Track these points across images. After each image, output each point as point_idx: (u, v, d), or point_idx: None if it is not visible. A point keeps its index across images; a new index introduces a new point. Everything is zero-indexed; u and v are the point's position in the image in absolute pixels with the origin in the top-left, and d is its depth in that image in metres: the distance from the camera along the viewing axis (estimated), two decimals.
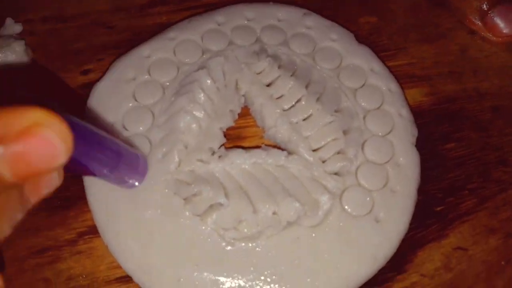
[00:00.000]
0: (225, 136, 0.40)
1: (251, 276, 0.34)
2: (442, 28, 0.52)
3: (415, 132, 0.42)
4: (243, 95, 0.42)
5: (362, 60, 0.45)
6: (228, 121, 0.41)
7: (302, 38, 0.46)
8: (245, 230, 0.35)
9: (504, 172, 0.43)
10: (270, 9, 0.47)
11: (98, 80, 0.43)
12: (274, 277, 0.34)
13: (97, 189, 0.38)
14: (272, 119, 0.40)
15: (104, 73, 0.44)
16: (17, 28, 0.48)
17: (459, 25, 0.53)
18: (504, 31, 0.51)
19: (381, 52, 0.48)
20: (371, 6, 0.53)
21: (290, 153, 0.39)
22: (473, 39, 0.52)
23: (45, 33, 0.49)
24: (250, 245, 0.35)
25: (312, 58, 0.45)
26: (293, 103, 0.41)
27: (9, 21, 0.48)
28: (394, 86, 0.44)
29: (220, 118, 0.40)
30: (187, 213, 0.36)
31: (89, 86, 0.43)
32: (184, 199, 0.36)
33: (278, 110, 0.40)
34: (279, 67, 0.42)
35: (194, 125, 0.39)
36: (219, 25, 0.46)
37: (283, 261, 0.35)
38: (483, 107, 0.47)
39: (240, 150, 0.38)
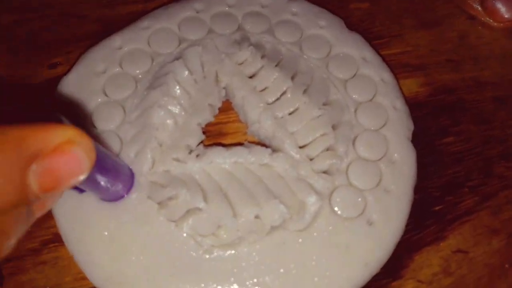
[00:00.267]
0: (204, 132, 0.38)
1: (232, 286, 0.33)
2: (439, 14, 0.51)
3: (410, 125, 0.40)
4: (224, 88, 0.40)
5: (353, 48, 0.43)
6: (207, 116, 0.38)
7: (287, 25, 0.44)
8: (225, 236, 0.33)
9: (506, 168, 0.42)
10: None
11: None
12: (256, 287, 0.33)
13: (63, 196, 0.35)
14: (255, 113, 0.38)
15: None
16: None
17: (457, 10, 0.51)
18: (505, 16, 0.49)
19: (374, 40, 0.47)
20: None
21: (274, 150, 0.37)
22: (472, 25, 0.51)
23: (9, 24, 0.47)
24: (230, 252, 0.33)
25: (298, 47, 0.43)
26: (278, 96, 0.39)
27: None
28: (387, 76, 0.42)
29: (198, 113, 0.38)
30: (161, 219, 0.34)
31: (57, 81, 0.41)
32: (158, 204, 0.34)
33: (262, 104, 0.38)
34: (263, 57, 0.40)
35: (169, 121, 0.37)
36: (197, 12, 0.44)
37: (267, 270, 0.33)
38: (483, 98, 0.45)
39: (220, 148, 0.36)
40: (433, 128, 0.43)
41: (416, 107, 0.43)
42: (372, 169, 0.37)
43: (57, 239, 0.36)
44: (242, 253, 0.33)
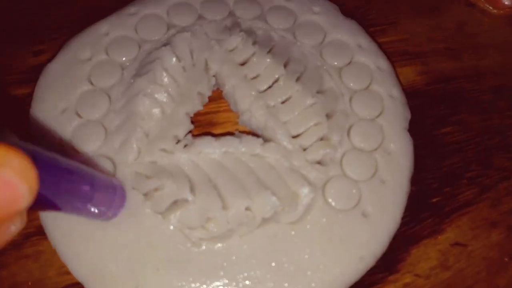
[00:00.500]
0: (193, 122, 0.37)
1: (221, 281, 0.32)
2: (438, 0, 0.50)
3: (407, 115, 0.40)
4: (214, 76, 0.39)
5: (348, 35, 0.42)
6: (195, 105, 0.37)
7: (280, 11, 0.43)
8: (214, 229, 0.32)
9: (506, 159, 0.41)
10: None
11: None
12: (247, 282, 0.32)
13: None
14: (246, 102, 0.37)
15: None
16: None
17: None
18: (505, 3, 0.49)
19: (370, 27, 0.46)
20: None
21: (266, 140, 0.36)
22: (471, 12, 0.50)
23: None
24: (220, 245, 0.32)
25: (291, 34, 0.42)
26: (270, 84, 0.38)
27: None
28: (384, 63, 0.42)
29: (187, 101, 0.37)
30: (147, 211, 0.33)
31: (41, 68, 0.40)
32: (144, 195, 0.33)
33: (253, 92, 0.37)
34: (254, 43, 0.39)
35: (155, 110, 0.35)
36: None
37: (258, 264, 0.32)
38: (483, 87, 0.45)
39: (209, 138, 0.35)
40: (431, 118, 0.42)
41: (413, 96, 0.42)
42: (367, 159, 0.36)
43: (40, 232, 0.34)
44: (233, 246, 0.32)
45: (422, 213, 0.38)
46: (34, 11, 0.46)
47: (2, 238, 0.19)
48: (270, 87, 0.38)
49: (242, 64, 0.39)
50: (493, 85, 0.45)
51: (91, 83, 0.38)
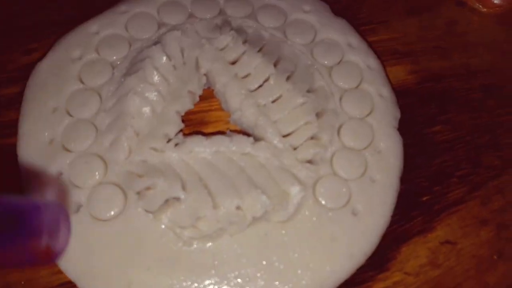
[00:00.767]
0: (184, 121, 0.37)
1: (212, 279, 0.32)
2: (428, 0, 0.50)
3: (397, 114, 0.40)
4: (205, 75, 0.39)
5: (339, 34, 0.42)
6: (186, 104, 0.37)
7: (271, 9, 0.43)
8: (205, 227, 0.32)
9: (496, 157, 0.41)
10: None
11: None
12: (238, 280, 0.32)
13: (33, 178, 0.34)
14: (236, 101, 0.37)
15: None
16: None
17: None
18: (495, 2, 0.49)
19: (361, 26, 0.46)
20: None
21: (257, 139, 0.36)
22: (461, 11, 0.50)
23: None
24: (211, 244, 0.32)
25: (282, 32, 0.42)
26: (261, 82, 0.38)
27: None
28: (374, 62, 0.42)
29: (177, 100, 0.36)
30: (139, 210, 0.33)
31: (32, 67, 0.39)
32: (137, 194, 0.33)
33: (244, 91, 0.37)
34: (245, 42, 0.39)
35: (145, 109, 0.35)
36: None
37: (249, 262, 0.32)
38: (472, 86, 0.45)
39: (199, 136, 0.35)
40: (421, 117, 0.42)
41: (403, 95, 0.42)
42: (357, 158, 0.36)
43: None
44: (223, 245, 0.32)
45: (412, 211, 0.38)
46: (25, 10, 0.45)
47: None
48: (260, 86, 0.37)
49: (233, 62, 0.39)
50: (483, 84, 0.45)
51: (82, 82, 0.37)
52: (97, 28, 0.40)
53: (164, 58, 0.37)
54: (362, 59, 0.41)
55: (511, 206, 0.39)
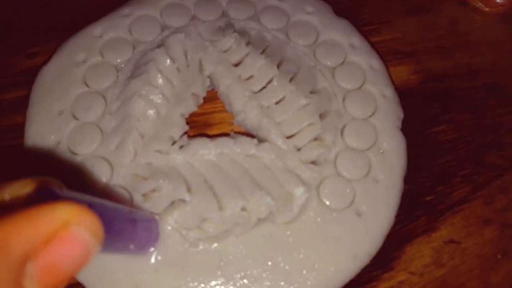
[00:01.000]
0: (188, 123, 0.37)
1: (219, 280, 0.32)
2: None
3: (400, 114, 0.40)
4: (208, 77, 0.39)
5: (341, 35, 0.42)
6: (190, 106, 0.37)
7: (273, 11, 0.43)
8: (210, 229, 0.32)
9: (499, 156, 0.41)
10: None
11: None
12: (244, 281, 0.32)
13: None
14: (240, 103, 0.37)
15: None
16: None
17: None
18: (497, 1, 0.49)
19: (363, 27, 0.46)
20: None
21: (261, 140, 0.36)
22: (463, 11, 0.50)
23: None
24: (217, 245, 0.32)
25: (285, 34, 0.42)
26: (264, 84, 0.38)
27: None
28: (376, 63, 0.42)
29: (181, 102, 0.37)
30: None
31: (36, 71, 0.40)
32: (143, 196, 0.33)
33: (247, 93, 0.37)
34: (248, 43, 0.39)
35: (150, 111, 0.35)
36: None
37: (254, 263, 0.32)
38: (475, 85, 0.45)
39: (204, 139, 0.35)
40: (424, 117, 0.42)
41: (406, 95, 0.42)
42: (361, 159, 0.36)
43: None
44: (229, 246, 0.32)
45: (416, 211, 0.38)
46: (28, 14, 0.45)
47: None
48: (264, 87, 0.38)
49: (236, 64, 0.39)
50: (485, 83, 0.45)
51: (87, 85, 0.38)
52: (101, 31, 0.40)
53: (168, 60, 0.37)
54: (364, 59, 0.41)
55: None
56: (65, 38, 0.41)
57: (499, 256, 0.37)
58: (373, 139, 0.37)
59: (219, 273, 0.32)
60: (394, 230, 0.35)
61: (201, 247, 0.32)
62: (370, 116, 0.38)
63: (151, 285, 0.31)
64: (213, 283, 0.31)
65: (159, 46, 0.38)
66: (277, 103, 0.37)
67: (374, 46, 0.43)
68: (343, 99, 0.39)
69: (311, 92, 0.38)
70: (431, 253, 0.36)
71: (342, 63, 0.41)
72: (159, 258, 0.32)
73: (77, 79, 0.38)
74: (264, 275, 0.32)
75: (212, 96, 0.40)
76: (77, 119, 0.36)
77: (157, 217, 0.32)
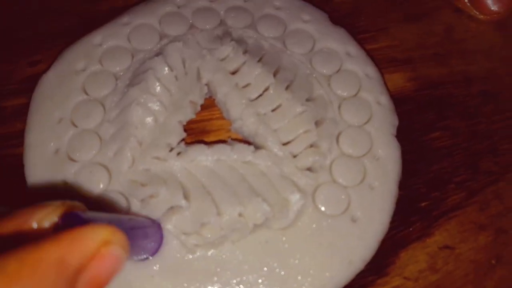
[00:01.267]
0: (186, 130, 0.37)
1: (215, 286, 0.32)
2: (426, 7, 0.50)
3: (395, 121, 0.40)
4: (206, 85, 0.39)
5: (337, 43, 0.42)
6: (188, 114, 0.38)
7: (270, 19, 0.43)
8: (208, 234, 0.32)
9: (494, 163, 0.41)
10: None
11: None
12: (240, 286, 0.32)
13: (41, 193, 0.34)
14: (237, 110, 0.37)
15: None
16: None
17: (443, 3, 0.50)
18: (492, 9, 0.48)
19: (359, 34, 0.46)
20: None
21: (257, 147, 0.36)
22: (459, 18, 0.50)
23: None
24: (214, 251, 0.33)
25: (281, 42, 0.42)
26: (261, 92, 0.38)
27: None
28: (372, 70, 0.42)
29: (179, 110, 0.37)
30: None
31: (37, 79, 0.40)
32: (141, 201, 0.34)
33: (244, 101, 0.37)
34: (245, 52, 0.39)
35: (148, 119, 0.36)
36: (178, 7, 0.43)
37: (251, 269, 0.33)
38: (470, 92, 0.45)
39: (201, 145, 0.35)
40: (419, 124, 0.42)
41: (402, 102, 0.42)
42: (356, 165, 0.36)
43: None
44: (225, 252, 0.33)
45: (411, 217, 0.38)
46: (29, 22, 0.46)
47: None
48: (260, 95, 0.38)
49: (233, 72, 0.39)
50: (480, 90, 0.45)
51: (86, 93, 0.38)
52: (100, 40, 0.41)
53: (166, 69, 0.37)
54: (360, 67, 0.41)
55: (508, 211, 0.39)
56: (67, 46, 0.41)
57: (493, 262, 0.37)
58: (368, 146, 0.37)
59: (216, 279, 0.32)
60: (389, 236, 0.36)
61: (198, 253, 0.32)
62: (365, 123, 0.38)
63: None
64: None
65: (157, 54, 0.39)
66: (273, 110, 0.37)
67: (370, 53, 0.43)
68: (339, 107, 0.39)
69: (307, 100, 0.38)
70: (426, 258, 0.36)
71: (338, 71, 0.41)
72: (156, 264, 0.32)
73: (76, 87, 0.38)
74: (259, 280, 0.32)
75: (209, 104, 0.40)
76: (76, 126, 0.37)
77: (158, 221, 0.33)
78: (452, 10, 0.50)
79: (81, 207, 0.23)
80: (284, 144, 0.36)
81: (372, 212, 0.35)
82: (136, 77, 0.38)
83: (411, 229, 0.37)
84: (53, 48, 0.43)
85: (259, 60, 0.39)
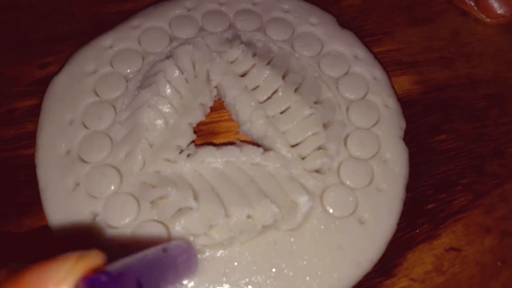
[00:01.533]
0: (195, 132, 0.37)
1: (224, 286, 0.32)
2: (432, 10, 0.50)
3: (402, 124, 0.40)
4: (215, 87, 0.39)
5: (345, 46, 0.43)
6: (198, 116, 0.38)
7: (279, 23, 0.43)
8: (217, 236, 0.33)
9: (500, 165, 0.41)
10: None
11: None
12: (249, 287, 0.32)
13: (53, 194, 0.35)
14: (246, 112, 0.37)
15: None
16: None
17: (450, 6, 0.50)
18: (498, 12, 0.48)
19: (366, 38, 0.46)
20: None
21: (266, 149, 0.36)
22: (465, 21, 0.50)
23: None
24: (222, 252, 0.33)
25: (290, 45, 0.42)
26: (269, 94, 0.38)
27: None
28: (379, 73, 0.42)
29: (189, 112, 0.37)
30: (156, 218, 0.34)
31: (48, 81, 0.40)
32: (151, 203, 0.34)
33: (253, 103, 0.38)
34: (254, 55, 0.40)
35: (159, 121, 0.36)
36: (188, 10, 0.43)
37: (259, 270, 0.33)
38: (476, 95, 0.45)
39: (211, 147, 0.36)
40: (426, 126, 0.42)
41: (408, 105, 0.42)
42: (364, 168, 0.36)
43: None
44: (234, 253, 0.33)
45: (418, 219, 0.38)
46: (39, 25, 0.46)
47: None
48: (269, 97, 0.38)
49: (243, 75, 0.39)
50: (487, 93, 0.45)
51: (97, 95, 0.38)
52: (111, 42, 0.41)
53: (177, 71, 0.38)
54: (368, 70, 0.41)
55: None
56: (77, 48, 0.41)
57: (499, 264, 0.37)
58: (376, 149, 0.37)
59: (224, 279, 0.32)
60: (396, 238, 0.36)
61: (207, 253, 0.32)
62: (373, 126, 0.38)
63: None
64: None
65: (167, 57, 0.39)
66: (282, 113, 0.37)
67: (377, 56, 0.43)
68: (347, 109, 0.39)
69: (315, 102, 0.38)
70: (432, 260, 0.36)
71: (345, 74, 0.41)
72: None
73: (87, 89, 0.38)
74: (268, 281, 0.32)
75: (218, 106, 0.41)
76: (87, 128, 0.37)
77: (190, 242, 0.32)
78: (458, 14, 0.50)
79: (98, 258, 0.21)
80: (293, 146, 0.36)
81: (379, 214, 0.35)
82: (147, 80, 0.38)
83: (418, 231, 0.37)
84: (64, 50, 0.43)
85: (268, 63, 0.39)
